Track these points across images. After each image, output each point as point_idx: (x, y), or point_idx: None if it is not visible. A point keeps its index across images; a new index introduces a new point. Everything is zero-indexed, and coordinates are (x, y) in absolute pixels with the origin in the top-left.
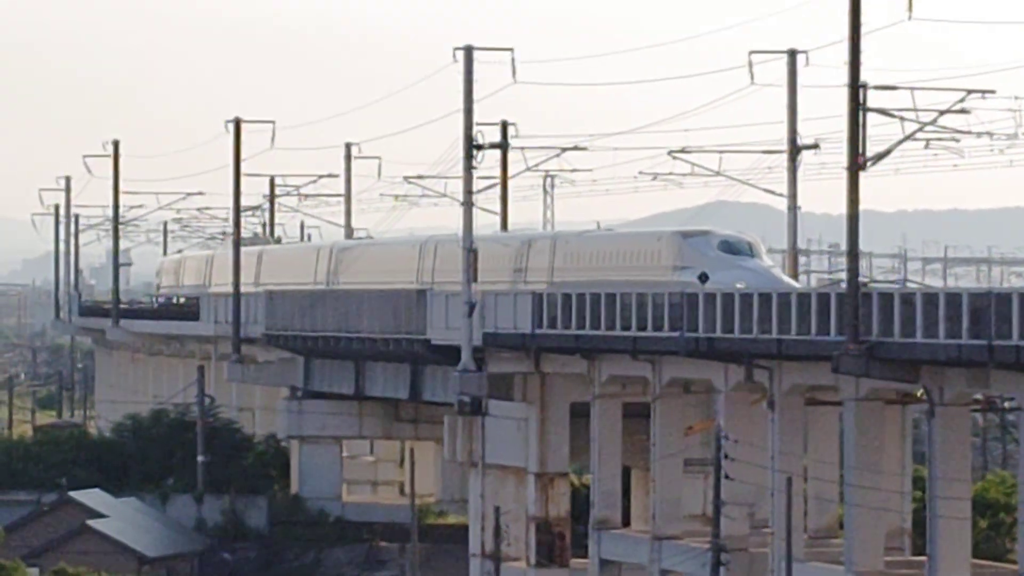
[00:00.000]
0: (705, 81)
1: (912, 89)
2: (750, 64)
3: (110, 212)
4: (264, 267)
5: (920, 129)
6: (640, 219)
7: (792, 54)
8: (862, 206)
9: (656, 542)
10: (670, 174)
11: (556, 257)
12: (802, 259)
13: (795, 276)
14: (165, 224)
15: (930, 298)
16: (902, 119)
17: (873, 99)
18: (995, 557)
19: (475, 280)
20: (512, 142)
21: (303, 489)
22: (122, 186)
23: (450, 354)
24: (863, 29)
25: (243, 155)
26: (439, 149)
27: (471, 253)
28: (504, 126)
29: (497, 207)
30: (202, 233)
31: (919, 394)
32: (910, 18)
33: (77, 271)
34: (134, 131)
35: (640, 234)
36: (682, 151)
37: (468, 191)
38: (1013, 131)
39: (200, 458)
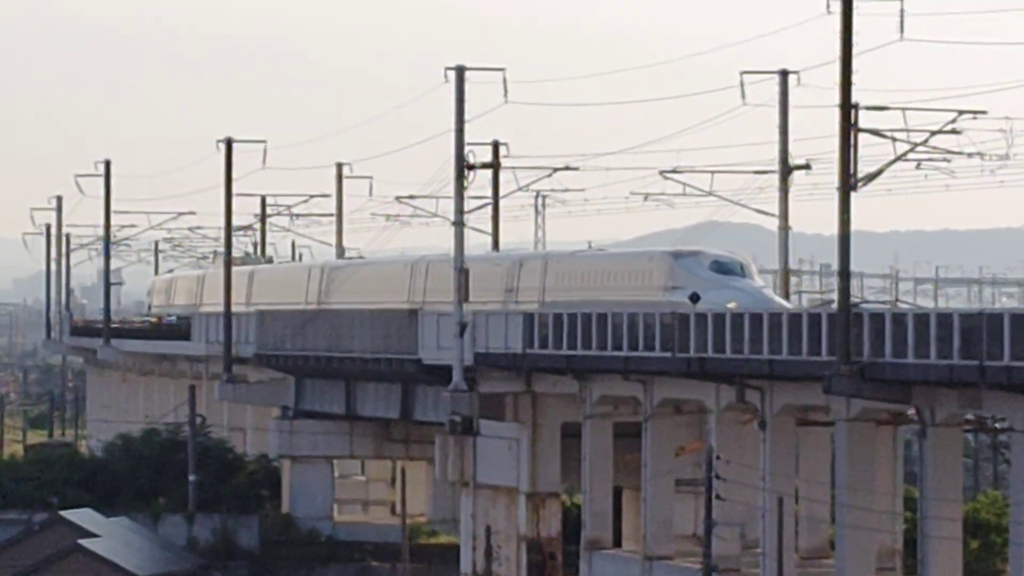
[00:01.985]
0: (696, 101)
1: (903, 109)
2: (742, 84)
3: (101, 231)
4: (255, 287)
5: (912, 149)
6: (631, 239)
7: (784, 74)
8: (854, 226)
9: (647, 562)
10: (661, 194)
11: (547, 277)
12: (793, 279)
13: (786, 296)
14: (156, 244)
15: (921, 318)
16: (893, 139)
17: (865, 119)
18: None
19: (466, 300)
20: (503, 162)
21: (294, 509)
22: (113, 206)
23: (441, 374)
24: (855, 49)
25: (234, 175)
26: (430, 169)
27: (462, 273)
28: (495, 146)
29: (488, 227)
30: (193, 253)
31: (911, 414)
32: (901, 38)
33: (68, 290)
34: (125, 151)
35: (631, 254)
36: (673, 171)
37: (459, 211)
38: (1004, 152)
39: (191, 477)
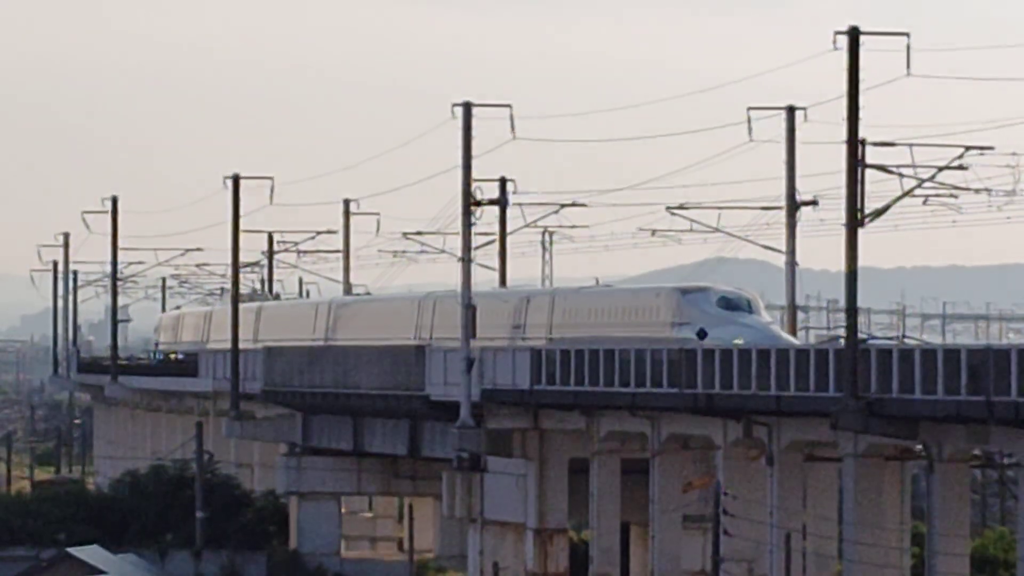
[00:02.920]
0: (703, 137)
1: (910, 145)
2: (749, 120)
3: (108, 268)
4: (262, 323)
5: (919, 185)
6: (639, 275)
7: (791, 110)
8: (861, 262)
9: None
10: (669, 230)
11: (555, 313)
12: (801, 315)
13: (794, 332)
14: (164, 280)
15: (928, 354)
16: (900, 175)
17: (871, 155)
18: None
19: (474, 336)
20: (511, 198)
21: (302, 545)
22: (121, 242)
23: (449, 410)
24: (861, 85)
25: (242, 211)
26: (438, 205)
27: (470, 309)
28: (503, 182)
29: (496, 263)
30: (200, 289)
31: (918, 450)
32: (908, 74)
33: (75, 327)
34: (133, 187)
35: (639, 290)
36: (680, 207)
37: (467, 247)
38: (1011, 187)
39: (199, 514)
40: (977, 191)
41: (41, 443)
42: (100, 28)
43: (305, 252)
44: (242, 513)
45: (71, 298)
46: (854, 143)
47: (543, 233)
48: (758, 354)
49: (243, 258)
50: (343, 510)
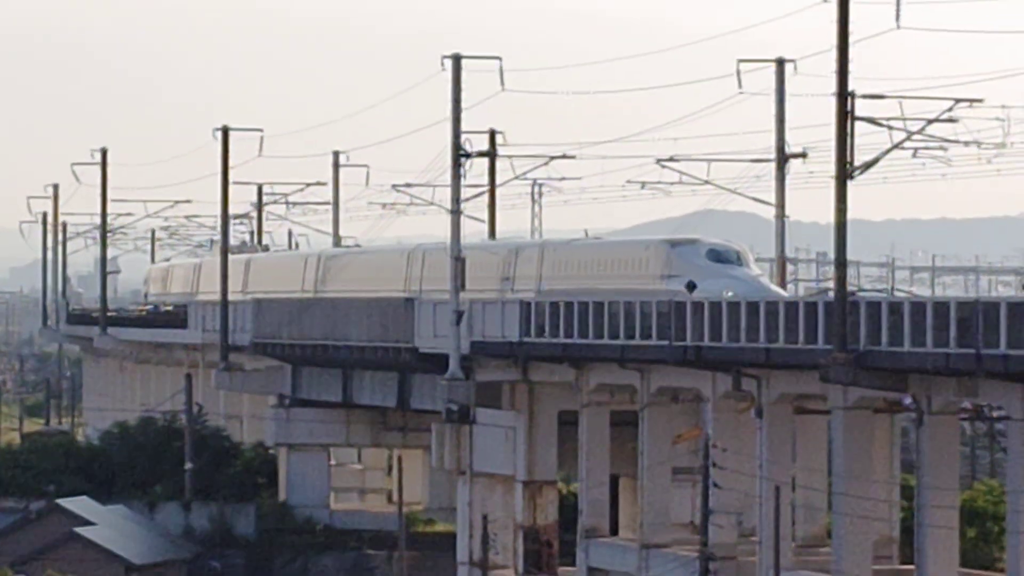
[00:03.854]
0: (693, 89)
1: (900, 98)
2: (738, 73)
3: (98, 220)
4: (252, 275)
5: (908, 138)
6: (628, 228)
7: (780, 63)
8: (850, 215)
9: (644, 550)
10: (658, 183)
11: (544, 265)
12: (790, 268)
13: (783, 285)
14: (153, 232)
15: (918, 307)
16: (890, 128)
17: (861, 108)
18: (983, 566)
19: (463, 288)
20: (500, 150)
21: (291, 497)
22: (110, 194)
23: (438, 362)
24: (851, 37)
25: (231, 163)
26: (427, 157)
27: (459, 261)
28: (492, 134)
29: (485, 215)
30: (190, 241)
31: (907, 403)
32: (898, 26)
33: (65, 279)
34: (122, 139)
35: (628, 243)
36: (670, 160)
37: (456, 199)
38: (1001, 140)
39: (188, 466)
40: (967, 144)
41: (30, 395)
42: None
43: (294, 204)
44: (231, 465)
45: (60, 250)
46: (844, 96)
47: (532, 185)
48: (747, 306)
49: (232, 210)
50: (332, 462)
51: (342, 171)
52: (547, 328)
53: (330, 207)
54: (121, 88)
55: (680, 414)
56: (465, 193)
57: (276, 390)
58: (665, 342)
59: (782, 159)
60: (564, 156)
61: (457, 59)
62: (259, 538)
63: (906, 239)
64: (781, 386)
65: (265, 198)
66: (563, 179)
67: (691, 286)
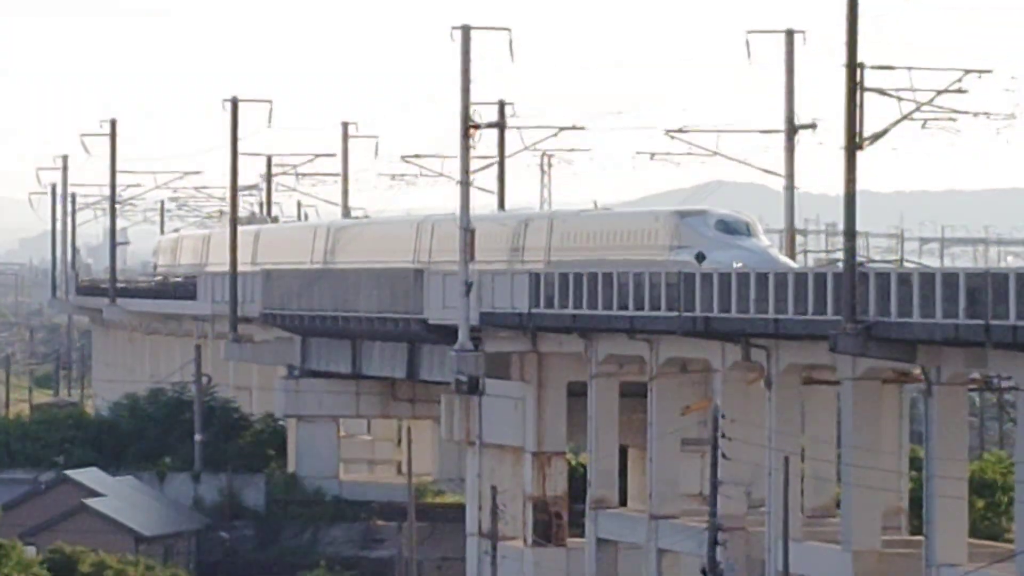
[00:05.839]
0: (702, 61)
1: (909, 69)
2: (747, 44)
3: (107, 191)
4: (261, 246)
5: (917, 109)
6: (637, 199)
7: (790, 33)
8: (859, 186)
9: (653, 521)
10: (667, 154)
11: (553, 236)
12: (799, 239)
13: (792, 256)
14: (162, 203)
15: (927, 278)
16: (899, 99)
17: (870, 79)
18: (992, 537)
19: (472, 259)
20: (509, 122)
21: (300, 468)
22: (119, 165)
23: (447, 333)
24: (860, 8)
25: (240, 134)
26: (436, 128)
27: (468, 232)
28: (501, 106)
29: (494, 186)
30: (199, 212)
31: (916, 373)
32: None
33: (74, 250)
34: (131, 110)
35: (637, 214)
36: (679, 131)
37: (465, 171)
38: (1010, 111)
39: (197, 437)
40: (976, 115)
41: (40, 366)
42: None
43: (303, 175)
44: (240, 436)
45: (70, 221)
46: (853, 66)
47: (542, 157)
48: (756, 277)
49: (241, 181)
50: (341, 433)
51: (351, 142)
52: (556, 299)
53: (339, 178)
54: (130, 59)
55: (689, 385)
56: (474, 164)
57: (285, 361)
58: (674, 313)
59: (791, 130)
60: (573, 127)
61: (466, 30)
62: (268, 509)
63: (915, 210)
64: (790, 357)
65: (274, 169)
66: (572, 150)
67: (700, 257)
